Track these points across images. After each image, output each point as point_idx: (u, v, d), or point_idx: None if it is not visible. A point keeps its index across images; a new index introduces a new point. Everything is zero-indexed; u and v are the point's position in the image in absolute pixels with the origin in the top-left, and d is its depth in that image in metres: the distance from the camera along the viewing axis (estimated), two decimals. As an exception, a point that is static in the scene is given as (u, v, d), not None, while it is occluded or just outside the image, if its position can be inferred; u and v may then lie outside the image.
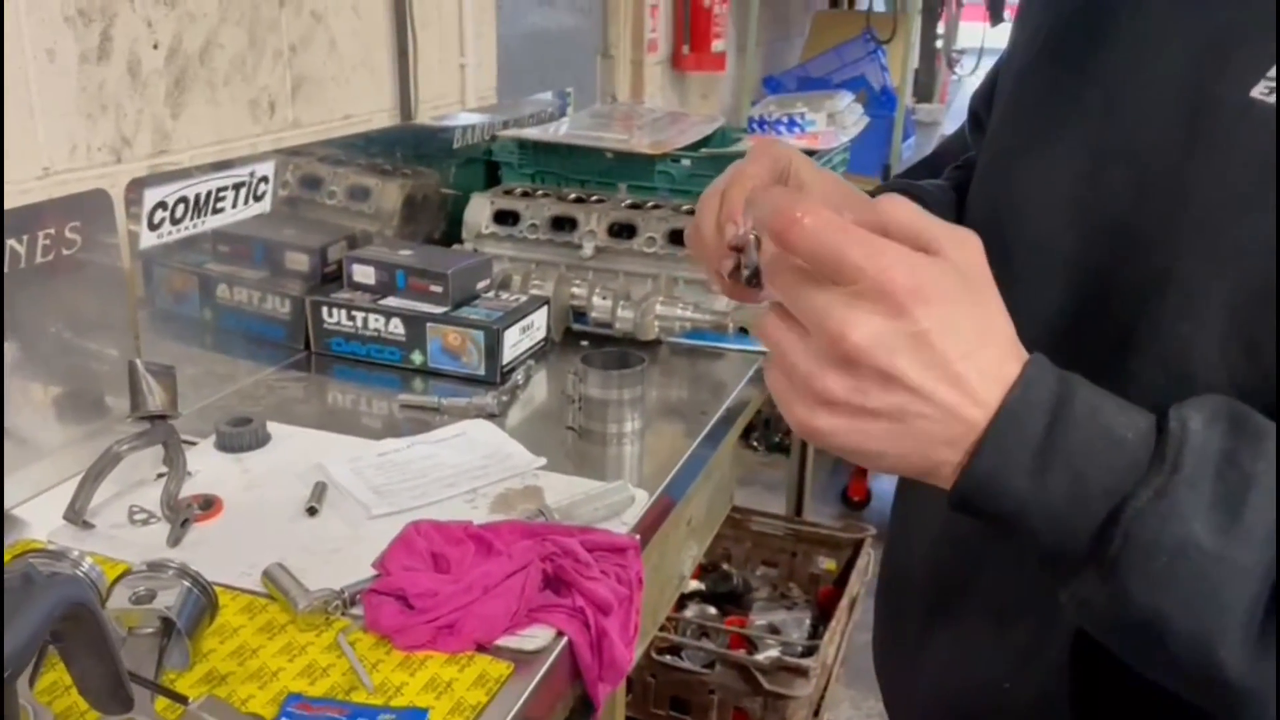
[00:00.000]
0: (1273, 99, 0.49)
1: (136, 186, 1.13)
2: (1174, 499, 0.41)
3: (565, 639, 0.82)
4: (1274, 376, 0.48)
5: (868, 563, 2.17)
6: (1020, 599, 0.60)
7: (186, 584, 0.76)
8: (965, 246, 0.45)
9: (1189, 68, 0.53)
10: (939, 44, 4.30)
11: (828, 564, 2.22)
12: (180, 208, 1.18)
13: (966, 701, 0.64)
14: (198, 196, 1.21)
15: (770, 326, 0.47)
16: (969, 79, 4.50)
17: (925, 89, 4.29)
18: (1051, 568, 0.45)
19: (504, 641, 0.81)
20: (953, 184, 0.84)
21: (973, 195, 0.71)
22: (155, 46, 1.25)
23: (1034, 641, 0.58)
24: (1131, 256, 0.54)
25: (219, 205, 1.25)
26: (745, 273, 0.57)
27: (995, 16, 3.91)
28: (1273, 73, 0.49)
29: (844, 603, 2.01)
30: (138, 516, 0.97)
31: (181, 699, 0.59)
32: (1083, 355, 0.49)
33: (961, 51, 4.75)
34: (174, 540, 0.93)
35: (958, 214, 0.78)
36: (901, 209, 0.45)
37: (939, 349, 0.43)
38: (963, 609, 0.65)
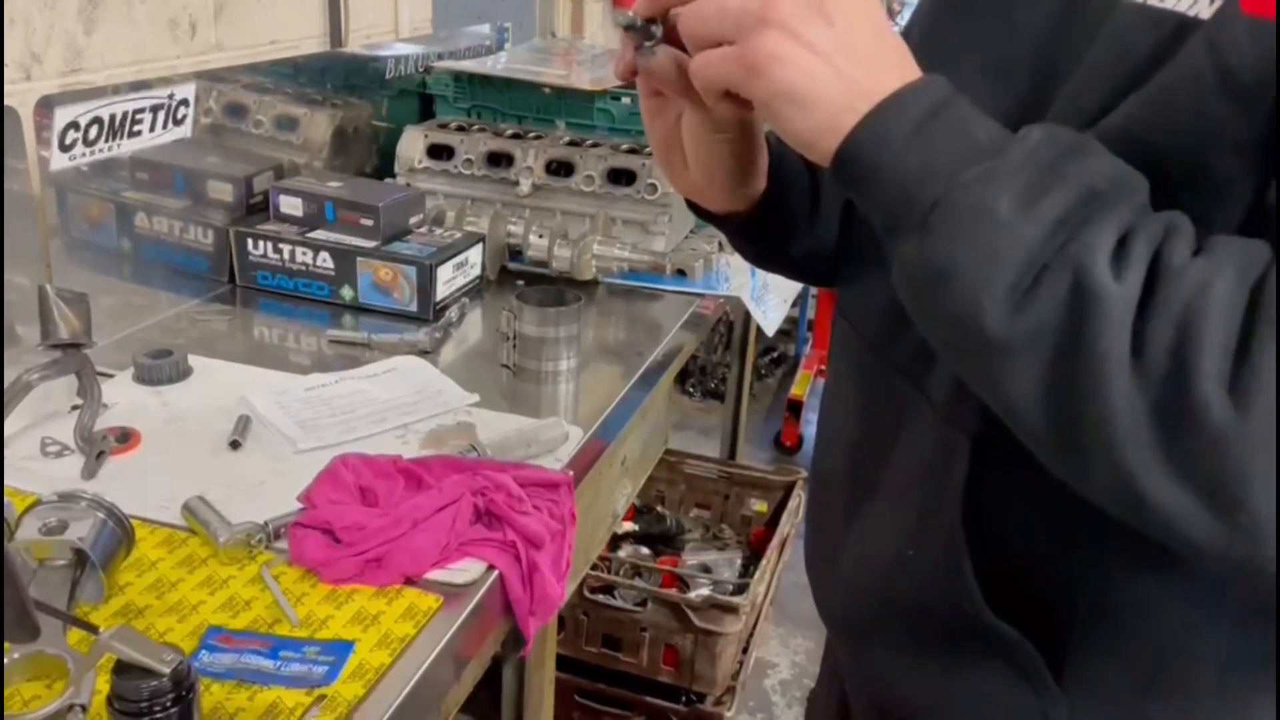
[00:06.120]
0: None
1: (47, 105, 1.07)
2: (991, 178, 0.49)
3: (496, 572, 0.82)
4: None
5: (798, 505, 2.20)
6: (914, 480, 0.66)
7: (100, 515, 0.73)
8: None
9: None
10: (881, -8, 4.30)
11: (759, 506, 2.25)
12: (94, 129, 1.13)
13: (878, 575, 0.69)
14: (113, 117, 1.15)
15: None
16: (910, 29, 4.49)
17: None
18: (888, 231, 0.53)
19: (433, 575, 0.80)
20: None
21: None
22: (66, -43, 1.19)
23: (928, 512, 0.64)
24: None
25: (135, 128, 1.19)
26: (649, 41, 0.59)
27: (937, -34, 3.92)
28: None
29: (774, 543, 2.04)
30: (50, 448, 0.93)
31: (92, 628, 0.57)
32: None
33: (904, 2, 4.75)
34: (89, 473, 0.90)
35: None
36: None
37: (883, 20, 0.52)
38: (873, 501, 0.70)
